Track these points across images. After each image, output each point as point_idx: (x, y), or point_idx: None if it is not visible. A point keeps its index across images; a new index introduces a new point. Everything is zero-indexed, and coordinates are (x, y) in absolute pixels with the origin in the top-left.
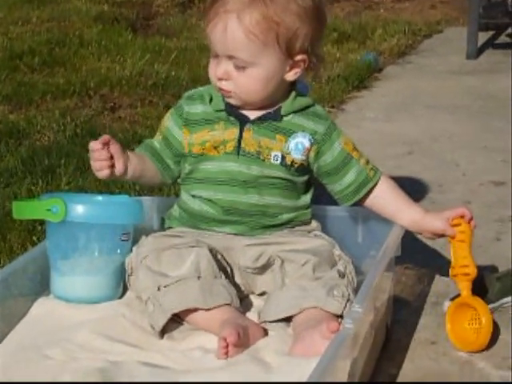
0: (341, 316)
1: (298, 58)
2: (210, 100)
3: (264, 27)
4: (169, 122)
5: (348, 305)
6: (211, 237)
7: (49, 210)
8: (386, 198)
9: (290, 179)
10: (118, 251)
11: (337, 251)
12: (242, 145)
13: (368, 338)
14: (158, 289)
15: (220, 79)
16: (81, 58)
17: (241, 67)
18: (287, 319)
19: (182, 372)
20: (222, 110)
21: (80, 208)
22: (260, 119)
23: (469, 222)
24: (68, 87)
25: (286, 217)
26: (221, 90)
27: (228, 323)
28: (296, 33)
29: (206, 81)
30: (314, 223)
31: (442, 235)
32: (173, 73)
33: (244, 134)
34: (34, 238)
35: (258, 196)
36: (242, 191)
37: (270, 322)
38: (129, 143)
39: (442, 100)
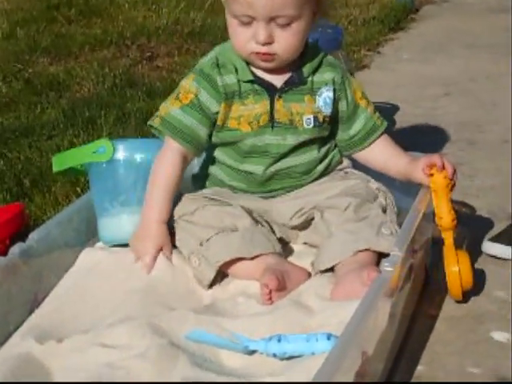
0: None
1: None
2: (236, 70)
3: None
4: (200, 93)
5: None
6: (243, 198)
7: (95, 152)
8: (378, 151)
9: (323, 136)
10: None
11: (373, 184)
12: (276, 116)
13: (407, 280)
14: (201, 244)
15: (264, 44)
16: (117, 8)
17: (285, 24)
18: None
19: (227, 318)
20: (250, 81)
21: (128, 144)
22: (287, 85)
23: (442, 171)
24: (105, 37)
25: (321, 168)
26: (263, 55)
27: (267, 270)
28: None
29: None
30: (345, 161)
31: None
32: (209, 20)
33: (276, 105)
34: (78, 189)
35: (291, 160)
36: (278, 160)
37: (324, 270)
38: (167, 92)
39: (479, 39)
